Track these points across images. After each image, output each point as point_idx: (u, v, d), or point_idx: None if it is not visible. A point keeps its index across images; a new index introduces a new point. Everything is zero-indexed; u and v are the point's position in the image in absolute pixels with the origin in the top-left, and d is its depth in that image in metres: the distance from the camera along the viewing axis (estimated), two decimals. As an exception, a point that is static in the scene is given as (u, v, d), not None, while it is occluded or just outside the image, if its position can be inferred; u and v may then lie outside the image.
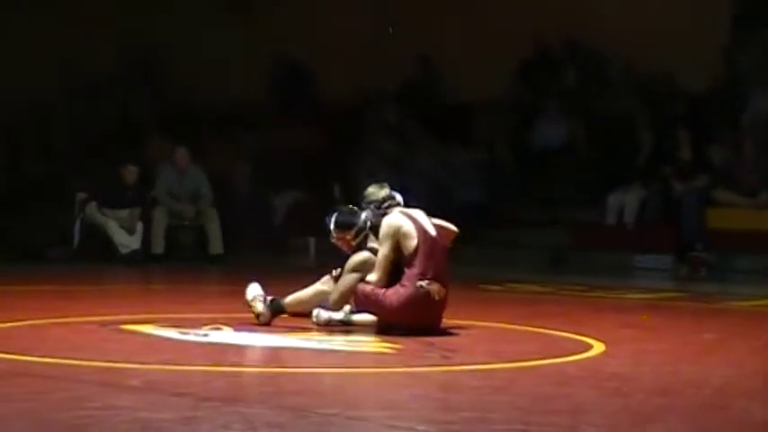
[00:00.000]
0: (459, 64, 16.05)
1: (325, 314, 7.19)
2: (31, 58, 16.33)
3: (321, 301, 7.35)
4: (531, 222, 14.52)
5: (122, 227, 13.42)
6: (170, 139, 14.93)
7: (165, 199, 13.83)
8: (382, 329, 7.00)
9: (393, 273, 7.08)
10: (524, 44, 15.76)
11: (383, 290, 7.03)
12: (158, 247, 13.59)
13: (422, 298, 6.95)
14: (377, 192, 7.61)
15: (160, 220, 13.67)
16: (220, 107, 16.68)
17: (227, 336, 6.82)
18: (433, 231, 7.16)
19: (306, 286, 7.60)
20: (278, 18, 17.16)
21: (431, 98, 16.51)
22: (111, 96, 17.62)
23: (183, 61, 17.37)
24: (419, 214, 7.32)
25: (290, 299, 7.47)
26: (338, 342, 6.64)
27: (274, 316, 7.32)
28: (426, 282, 6.98)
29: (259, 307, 7.32)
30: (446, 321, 7.45)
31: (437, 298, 7.00)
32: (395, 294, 6.98)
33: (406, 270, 7.01)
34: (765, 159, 13.49)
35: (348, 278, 7.31)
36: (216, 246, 13.75)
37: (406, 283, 6.97)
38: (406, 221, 7.17)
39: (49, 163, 16.83)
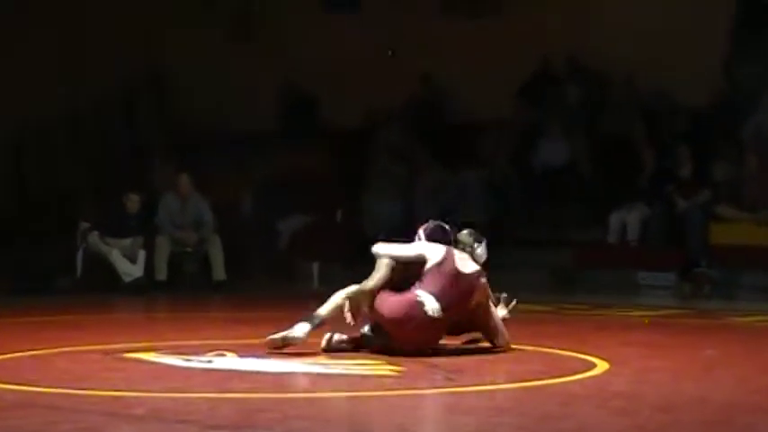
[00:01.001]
0: (462, 83, 16.10)
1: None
2: (34, 83, 16.38)
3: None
4: (533, 241, 14.53)
5: (125, 255, 13.44)
6: (175, 167, 14.97)
7: (167, 226, 13.84)
8: (380, 340, 7.02)
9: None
10: (526, 63, 15.81)
11: (387, 292, 7.07)
12: (161, 274, 13.60)
13: (415, 306, 6.96)
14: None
15: (163, 247, 13.69)
16: (224, 133, 16.73)
17: (231, 362, 6.82)
18: (459, 267, 7.16)
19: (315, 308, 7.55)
20: (279, 43, 17.22)
21: (434, 118, 16.55)
22: (114, 123, 17.67)
23: (187, 87, 17.43)
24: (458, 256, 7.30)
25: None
26: (342, 366, 6.64)
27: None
28: (428, 293, 7.00)
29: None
30: (449, 342, 7.47)
31: (430, 314, 6.98)
32: (393, 296, 7.02)
33: (416, 283, 7.05)
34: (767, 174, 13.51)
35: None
36: (219, 272, 13.75)
37: (408, 290, 7.02)
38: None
39: (52, 191, 16.87)
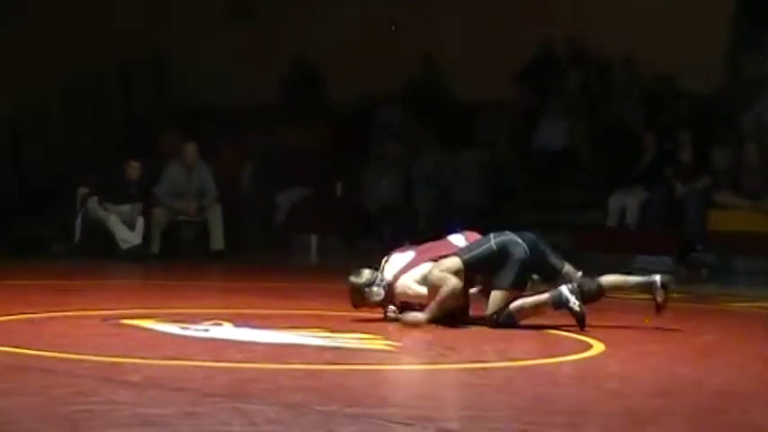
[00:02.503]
0: (463, 65, 16.07)
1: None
2: (33, 54, 16.34)
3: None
4: (531, 224, 14.53)
5: (123, 222, 13.44)
6: (182, 136, 14.98)
7: (165, 197, 13.82)
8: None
9: None
10: (528, 46, 15.78)
11: None
12: (155, 247, 13.60)
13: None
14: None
15: (159, 220, 13.69)
16: (226, 107, 16.71)
17: (227, 331, 6.84)
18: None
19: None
20: (280, 17, 17.19)
21: (434, 99, 16.52)
22: (116, 92, 17.65)
23: (190, 60, 17.39)
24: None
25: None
26: (338, 339, 6.65)
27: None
28: None
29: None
30: (446, 320, 7.49)
31: None
32: None
33: None
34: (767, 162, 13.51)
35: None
36: (217, 242, 13.77)
37: None
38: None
39: (51, 158, 16.86)
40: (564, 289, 7.21)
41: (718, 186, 13.53)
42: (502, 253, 7.34)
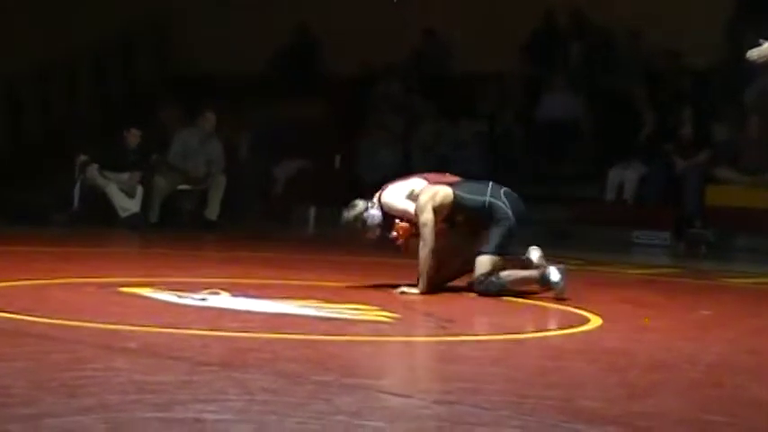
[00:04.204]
0: (465, 37, 16.02)
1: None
2: (33, 23, 16.30)
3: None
4: (531, 197, 14.52)
5: (122, 190, 13.44)
6: (185, 107, 14.98)
7: (177, 161, 13.84)
8: None
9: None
10: (530, 18, 15.73)
11: None
12: (154, 215, 13.62)
13: None
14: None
15: (160, 188, 13.69)
16: (225, 77, 16.67)
17: (224, 301, 6.84)
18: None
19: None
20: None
21: (434, 71, 16.49)
22: (114, 61, 17.60)
23: (191, 30, 17.34)
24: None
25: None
26: (336, 310, 6.66)
27: None
28: None
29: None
30: (444, 292, 7.49)
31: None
32: None
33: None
34: (768, 138, 13.50)
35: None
36: (212, 211, 13.79)
37: None
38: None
39: (50, 126, 16.84)
40: (553, 269, 7.26)
41: (718, 161, 13.52)
42: (490, 212, 7.48)
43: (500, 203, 7.48)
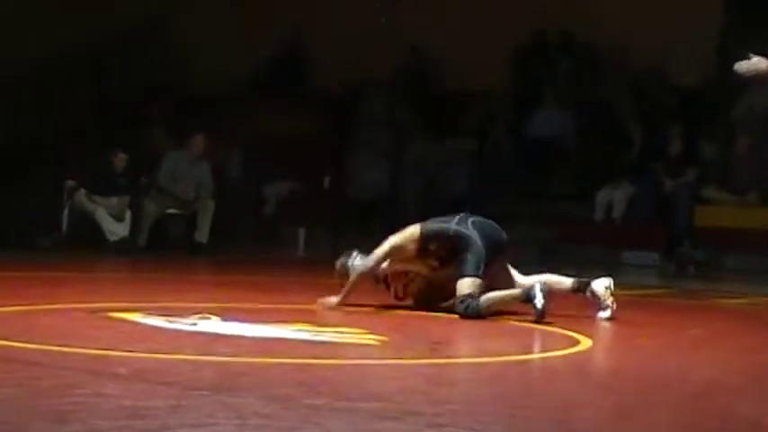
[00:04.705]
0: (453, 53, 16.06)
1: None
2: (10, 41, 16.25)
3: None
4: (518, 216, 14.55)
5: (111, 214, 13.41)
6: (175, 128, 14.95)
7: (167, 183, 13.81)
8: None
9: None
10: (517, 35, 15.77)
11: None
12: (143, 239, 13.58)
13: None
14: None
15: (150, 212, 13.66)
16: (212, 93, 16.66)
17: (215, 325, 6.82)
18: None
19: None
20: (270, 6, 17.16)
21: (422, 88, 16.52)
22: (91, 78, 17.54)
23: (173, 46, 17.33)
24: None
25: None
26: (326, 334, 6.65)
27: None
28: None
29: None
30: (433, 314, 7.49)
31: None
32: None
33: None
34: (757, 157, 13.54)
35: None
36: (202, 234, 13.75)
37: None
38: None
39: (33, 149, 16.76)
40: (537, 285, 7.33)
41: (706, 181, 13.56)
42: (459, 240, 7.64)
43: (466, 232, 7.60)
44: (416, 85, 16.53)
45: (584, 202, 14.29)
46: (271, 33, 16.98)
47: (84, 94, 17.26)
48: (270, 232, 15.36)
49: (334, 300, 7.77)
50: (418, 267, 7.78)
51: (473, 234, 7.62)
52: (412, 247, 7.71)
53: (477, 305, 7.40)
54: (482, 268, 7.54)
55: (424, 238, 7.70)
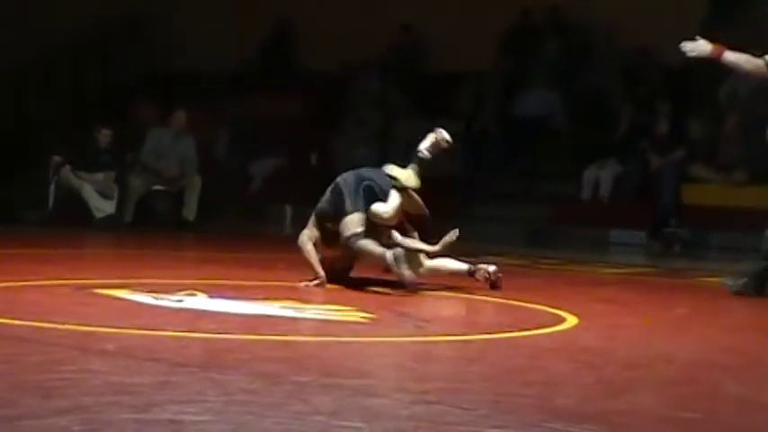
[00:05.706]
0: (442, 33, 16.04)
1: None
2: (6, 19, 16.20)
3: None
4: (507, 195, 14.55)
5: (97, 191, 13.39)
6: (160, 103, 14.92)
7: (150, 160, 13.78)
8: None
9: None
10: (508, 15, 15.75)
11: None
12: (128, 215, 13.56)
13: None
14: None
15: (135, 188, 13.64)
16: (201, 73, 16.63)
17: (201, 302, 6.82)
18: None
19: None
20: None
21: (412, 68, 16.49)
22: (89, 57, 17.52)
23: (164, 26, 17.28)
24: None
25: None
26: (313, 311, 6.65)
27: None
28: None
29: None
30: (421, 292, 7.50)
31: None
32: None
33: None
34: (745, 136, 13.55)
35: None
36: (190, 211, 13.74)
37: None
38: None
39: (23, 125, 16.74)
40: (403, 262, 7.36)
41: (693, 159, 13.57)
42: (336, 191, 7.68)
43: (340, 179, 7.83)
44: (407, 64, 16.50)
45: (573, 181, 14.30)
46: (261, 15, 16.92)
47: (89, 79, 17.27)
48: (256, 209, 15.35)
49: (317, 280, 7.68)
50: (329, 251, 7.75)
51: (347, 179, 7.71)
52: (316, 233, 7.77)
53: (356, 243, 7.44)
54: (361, 203, 7.54)
55: (318, 220, 7.77)
